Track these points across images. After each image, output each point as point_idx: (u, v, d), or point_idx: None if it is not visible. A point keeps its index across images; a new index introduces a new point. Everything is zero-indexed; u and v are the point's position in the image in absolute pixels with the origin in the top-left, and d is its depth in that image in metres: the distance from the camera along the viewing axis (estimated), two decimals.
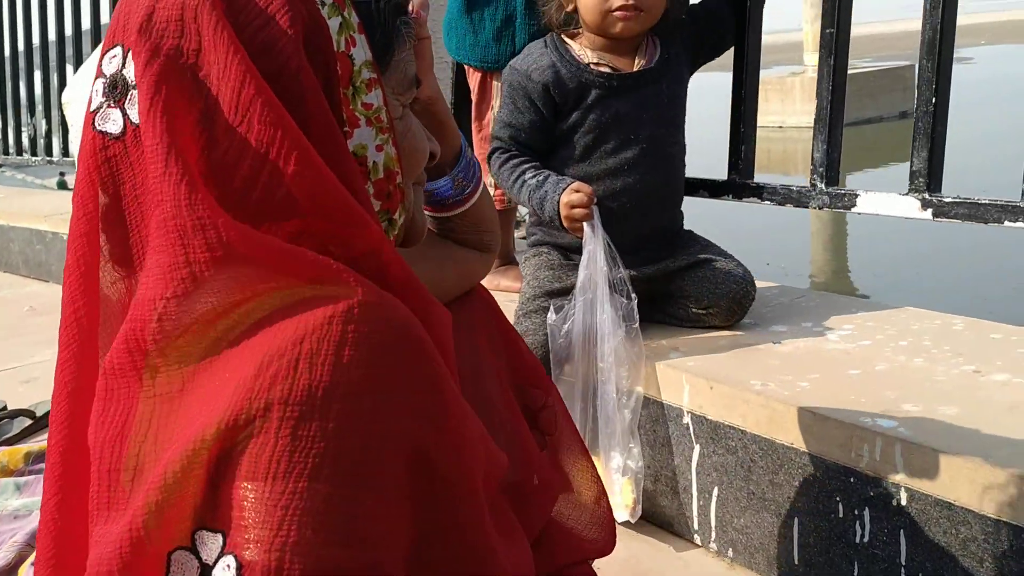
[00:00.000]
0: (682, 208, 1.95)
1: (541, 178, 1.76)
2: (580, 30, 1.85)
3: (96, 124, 0.77)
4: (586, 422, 1.66)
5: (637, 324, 1.65)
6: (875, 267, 5.62)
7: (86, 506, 0.75)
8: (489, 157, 1.85)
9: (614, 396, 1.62)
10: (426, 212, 1.16)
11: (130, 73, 0.76)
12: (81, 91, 2.74)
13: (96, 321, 0.80)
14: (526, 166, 1.80)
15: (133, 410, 0.74)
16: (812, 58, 15.91)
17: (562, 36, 1.86)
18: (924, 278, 5.16)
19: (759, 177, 2.02)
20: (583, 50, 1.84)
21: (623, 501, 1.65)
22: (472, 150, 1.20)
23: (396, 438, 0.70)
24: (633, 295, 1.66)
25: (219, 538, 0.68)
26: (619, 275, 1.65)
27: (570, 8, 1.83)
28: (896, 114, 14.56)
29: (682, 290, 1.82)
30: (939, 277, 5.09)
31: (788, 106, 14.50)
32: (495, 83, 2.16)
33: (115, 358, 0.75)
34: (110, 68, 0.77)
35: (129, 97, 0.76)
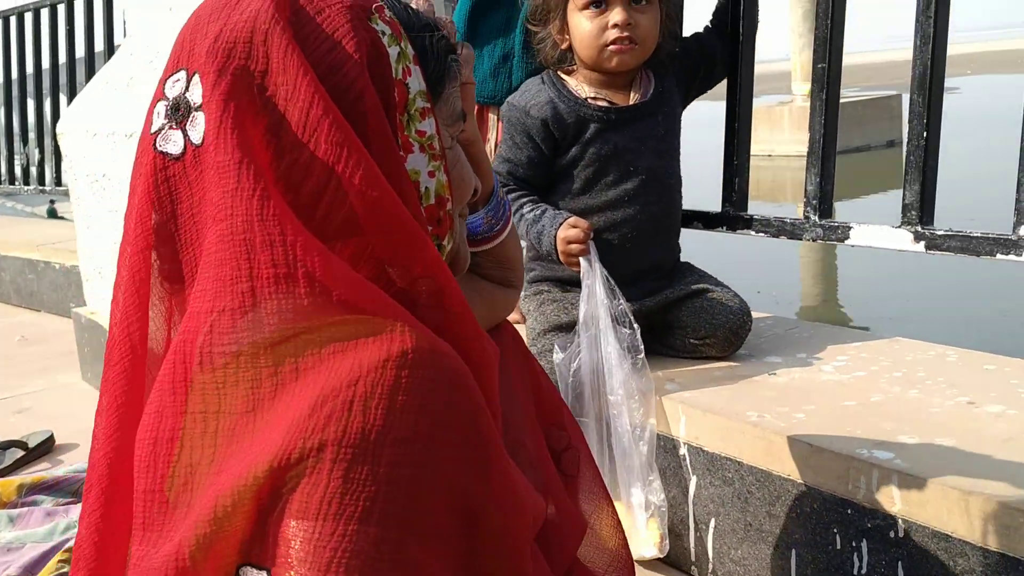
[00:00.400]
0: (679, 240, 1.97)
1: (539, 212, 1.77)
2: (575, 67, 1.87)
3: (157, 145, 0.79)
4: (603, 460, 1.66)
5: (642, 355, 1.65)
6: (866, 295, 5.65)
7: (128, 522, 0.76)
8: None
9: (628, 430, 1.62)
10: None
11: (194, 96, 0.78)
12: (77, 122, 2.75)
13: (146, 338, 0.82)
14: (524, 200, 1.81)
15: (178, 429, 0.74)
16: (800, 87, 16.07)
17: (559, 72, 1.88)
18: (914, 306, 5.19)
19: (750, 206, 2.04)
20: (580, 85, 1.85)
21: (650, 538, 1.65)
22: (501, 187, 1.22)
23: (445, 487, 0.71)
24: (636, 325, 1.66)
25: (264, 574, 0.68)
26: (620, 307, 1.66)
27: (564, 46, 1.84)
28: (884, 143, 14.68)
29: (679, 321, 1.83)
30: (930, 305, 5.11)
31: (777, 135, 14.61)
32: (491, 116, 2.18)
33: (164, 372, 0.76)
34: (173, 91, 0.80)
35: (191, 119, 0.78)
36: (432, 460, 0.70)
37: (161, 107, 0.80)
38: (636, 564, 1.63)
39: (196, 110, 0.78)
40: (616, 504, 1.63)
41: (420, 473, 0.69)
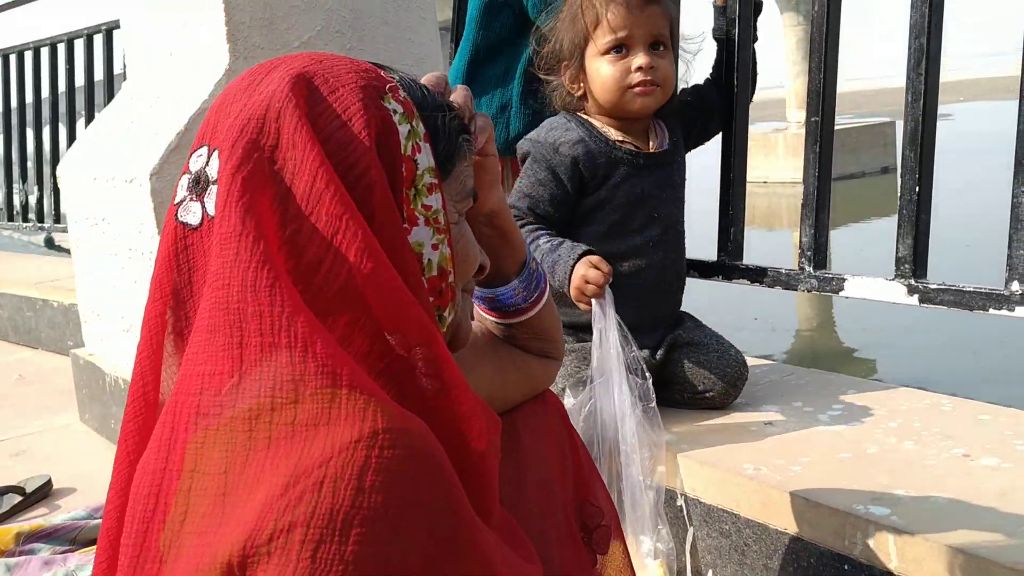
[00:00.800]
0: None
1: (556, 243, 1.74)
2: (589, 113, 1.88)
3: (179, 216, 0.85)
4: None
5: (654, 403, 1.65)
6: (860, 326, 5.66)
7: None
8: None
9: (639, 479, 1.62)
10: (490, 317, 1.19)
11: (212, 170, 0.83)
12: (77, 165, 2.76)
13: (159, 394, 0.87)
14: (541, 232, 1.78)
15: (157, 486, 0.78)
16: (795, 114, 16.18)
17: (579, 113, 1.88)
18: (907, 342, 5.21)
19: (746, 246, 2.07)
20: (606, 128, 1.86)
21: None
22: (533, 258, 1.20)
23: (413, 567, 0.72)
24: (648, 374, 1.65)
25: None
26: (632, 354, 1.65)
27: (579, 93, 1.85)
28: (878, 169, 14.76)
29: (678, 375, 1.84)
30: (923, 346, 5.14)
31: (772, 161, 14.69)
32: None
33: (156, 432, 0.80)
34: (195, 165, 0.85)
35: (208, 191, 0.83)
36: (399, 540, 0.71)
37: (185, 180, 0.86)
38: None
39: (212, 183, 0.83)
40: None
41: (387, 552, 0.70)
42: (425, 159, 0.88)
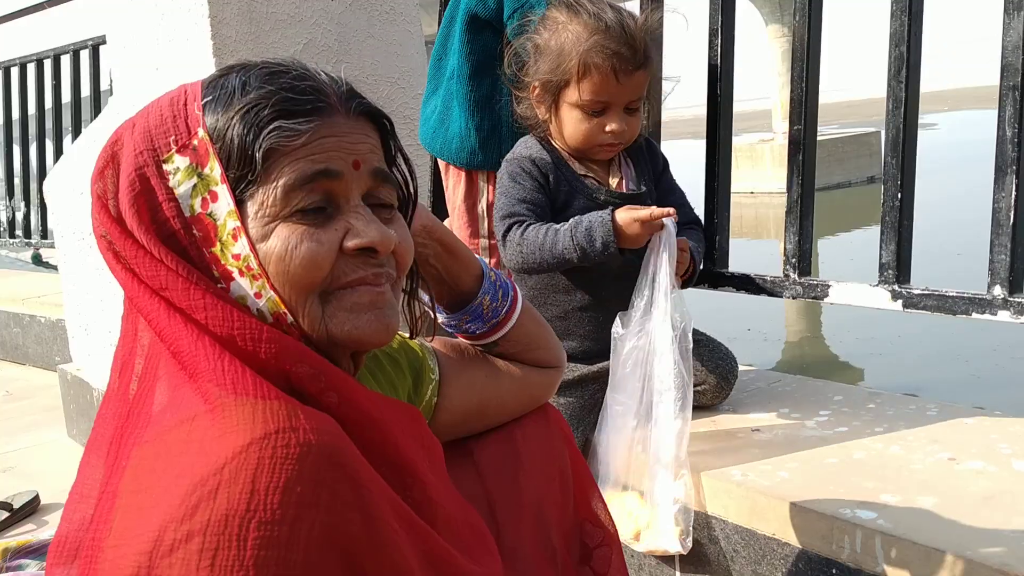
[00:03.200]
0: None
1: (577, 218, 1.72)
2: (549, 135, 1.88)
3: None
4: (635, 448, 1.63)
5: (691, 346, 1.63)
6: (853, 336, 5.69)
7: None
8: (505, 234, 1.78)
9: (667, 421, 1.60)
10: (467, 341, 1.16)
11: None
12: (63, 180, 2.76)
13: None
14: (554, 225, 1.75)
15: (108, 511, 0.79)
16: (781, 125, 16.26)
17: (549, 140, 1.87)
18: (896, 350, 5.23)
19: (734, 256, 2.09)
20: (571, 160, 1.85)
21: (674, 532, 1.61)
22: (492, 269, 1.16)
23: (315, 565, 0.72)
24: (689, 314, 1.63)
25: None
26: (675, 295, 1.63)
27: (545, 118, 1.85)
28: (864, 179, 14.85)
29: None
30: (912, 353, 5.16)
31: (759, 172, 14.76)
32: (480, 182, 2.19)
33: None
34: None
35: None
36: (299, 538, 0.71)
37: None
38: (656, 560, 1.64)
39: None
40: (636, 495, 1.62)
41: (287, 555, 0.70)
42: (223, 205, 0.85)
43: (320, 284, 0.86)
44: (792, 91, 1.84)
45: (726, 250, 2.04)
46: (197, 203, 0.85)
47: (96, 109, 4.30)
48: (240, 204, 0.85)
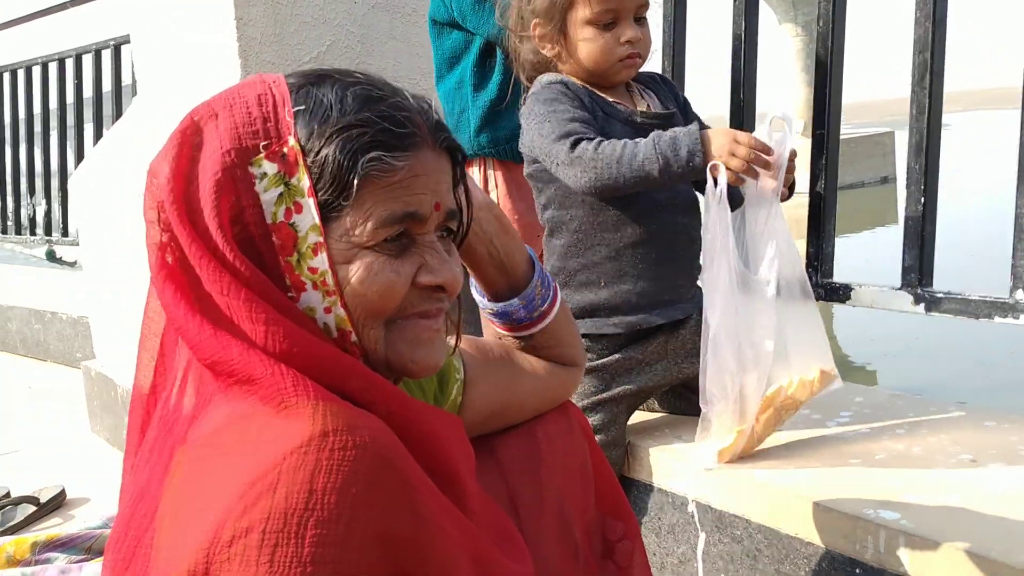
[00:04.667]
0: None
1: (657, 132, 1.62)
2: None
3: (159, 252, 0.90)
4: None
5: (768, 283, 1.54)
6: (867, 337, 5.67)
7: None
8: (573, 149, 1.63)
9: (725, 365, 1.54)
10: (503, 331, 1.19)
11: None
12: (88, 179, 2.79)
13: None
14: (629, 140, 1.63)
15: (153, 509, 0.83)
16: (797, 124, 16.15)
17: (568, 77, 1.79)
18: (912, 352, 5.22)
19: None
20: (593, 88, 1.78)
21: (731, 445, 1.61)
22: (545, 269, 1.19)
23: (369, 564, 0.74)
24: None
25: None
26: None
27: (552, 53, 1.78)
28: (878, 179, 14.78)
29: (689, 384, 1.83)
30: (928, 355, 5.15)
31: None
32: (490, 171, 2.25)
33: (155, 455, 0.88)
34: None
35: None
36: (355, 537, 0.73)
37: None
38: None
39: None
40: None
41: (342, 553, 0.73)
42: (307, 218, 0.86)
43: (390, 312, 0.90)
44: (816, 95, 1.85)
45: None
46: (280, 212, 0.87)
47: (117, 108, 4.34)
48: (324, 221, 0.87)
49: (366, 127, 0.87)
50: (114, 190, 2.64)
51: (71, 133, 4.79)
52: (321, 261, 0.87)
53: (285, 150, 0.86)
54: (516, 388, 1.17)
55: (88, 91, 4.65)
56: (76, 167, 3.75)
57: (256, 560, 0.71)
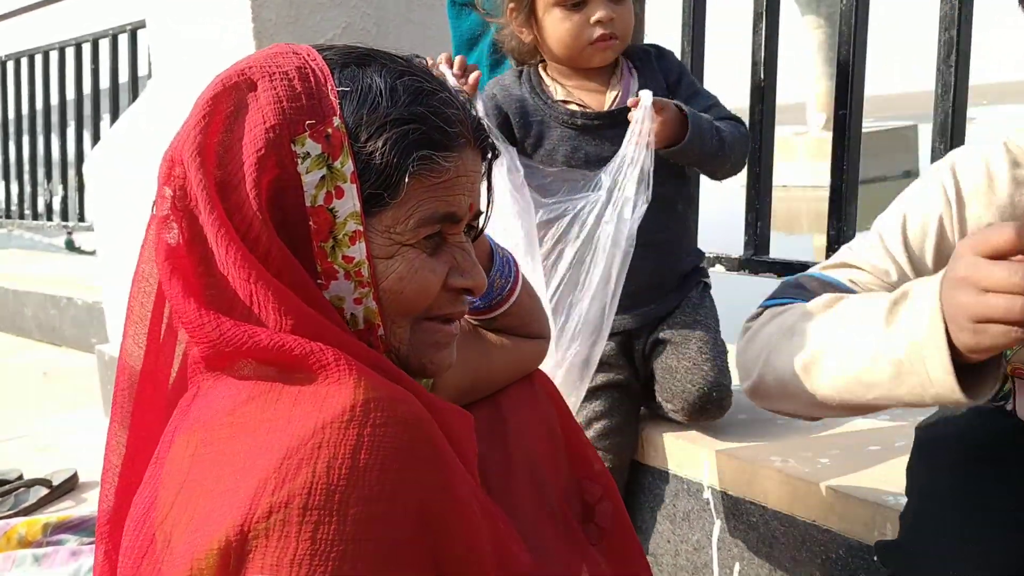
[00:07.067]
0: (694, 251, 1.85)
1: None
2: (542, 62, 1.74)
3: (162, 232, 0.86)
4: None
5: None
6: None
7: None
8: None
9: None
10: (467, 317, 1.16)
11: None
12: (102, 163, 2.79)
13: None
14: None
15: (159, 479, 0.80)
16: (816, 118, 16.12)
17: (537, 68, 1.75)
18: None
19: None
20: (553, 84, 1.72)
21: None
22: (498, 245, 1.18)
23: (409, 540, 0.73)
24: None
25: None
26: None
27: (528, 39, 1.70)
28: (900, 173, 14.67)
29: (654, 377, 1.73)
30: None
31: (792, 166, 14.62)
32: None
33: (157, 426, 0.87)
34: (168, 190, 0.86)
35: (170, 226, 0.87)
36: (397, 515, 0.72)
37: (169, 194, 0.86)
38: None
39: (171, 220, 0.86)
40: None
41: (385, 531, 0.71)
42: (348, 205, 0.83)
43: (419, 311, 0.90)
44: (838, 75, 1.82)
45: (767, 237, 2.02)
46: (321, 195, 0.83)
47: (134, 94, 4.34)
48: (364, 212, 0.84)
49: (419, 124, 0.84)
50: (127, 174, 2.63)
51: (87, 122, 4.80)
52: (359, 251, 0.84)
53: (330, 131, 0.83)
54: (485, 364, 1.15)
55: (105, 80, 4.65)
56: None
57: (296, 536, 0.69)
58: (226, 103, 0.83)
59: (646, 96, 1.53)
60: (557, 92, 1.72)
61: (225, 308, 0.80)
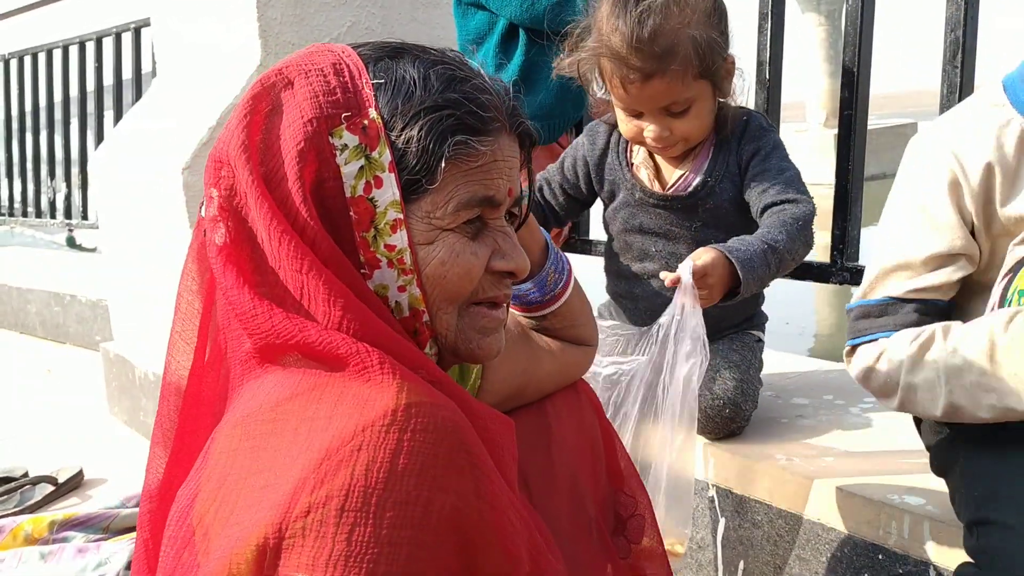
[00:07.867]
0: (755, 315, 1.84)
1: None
2: None
3: (207, 231, 0.86)
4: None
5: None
6: None
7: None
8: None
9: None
10: (518, 312, 1.18)
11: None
12: (107, 162, 2.79)
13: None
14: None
15: (201, 481, 0.80)
16: (818, 115, 16.10)
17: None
18: None
19: None
20: (637, 146, 1.73)
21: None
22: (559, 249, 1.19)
23: (441, 546, 0.73)
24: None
25: None
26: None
27: (600, 93, 1.70)
28: None
29: None
30: None
31: (795, 163, 14.58)
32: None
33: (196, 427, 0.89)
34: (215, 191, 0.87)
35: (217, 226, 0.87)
36: (431, 521, 0.72)
37: (216, 196, 0.87)
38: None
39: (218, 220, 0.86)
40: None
41: (419, 535, 0.72)
42: (388, 193, 0.84)
43: (465, 296, 0.90)
44: (844, 75, 1.82)
45: None
46: (360, 185, 0.84)
47: (138, 91, 4.34)
48: (404, 200, 0.85)
49: (453, 109, 0.85)
50: (132, 170, 2.64)
51: (90, 120, 4.80)
52: (400, 239, 0.85)
53: (366, 122, 0.84)
54: (533, 369, 1.16)
55: (109, 78, 4.66)
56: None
57: (333, 536, 0.70)
58: (265, 102, 0.85)
59: (685, 273, 1.46)
60: (636, 155, 1.75)
61: (277, 301, 0.81)
